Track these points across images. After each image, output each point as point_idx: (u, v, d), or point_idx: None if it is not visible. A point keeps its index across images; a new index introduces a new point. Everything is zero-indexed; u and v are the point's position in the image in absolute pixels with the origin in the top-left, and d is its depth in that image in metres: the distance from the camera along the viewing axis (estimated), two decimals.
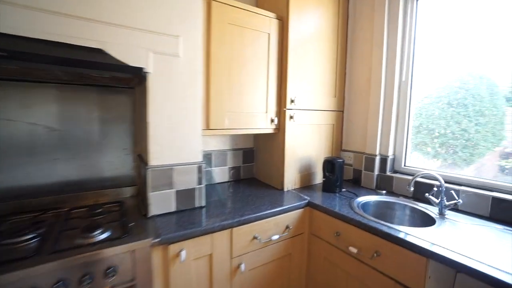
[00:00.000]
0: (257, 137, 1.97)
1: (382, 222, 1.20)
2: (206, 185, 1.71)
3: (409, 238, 1.05)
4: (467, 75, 4.67)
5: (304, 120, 1.73)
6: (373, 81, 1.73)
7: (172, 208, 1.26)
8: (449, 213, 1.33)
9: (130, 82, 1.40)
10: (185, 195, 1.29)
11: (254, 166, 2.02)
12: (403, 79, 1.64)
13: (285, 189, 1.70)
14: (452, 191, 1.34)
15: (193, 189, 1.31)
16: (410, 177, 1.59)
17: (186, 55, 1.23)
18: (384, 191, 1.67)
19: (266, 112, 1.63)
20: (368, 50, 1.78)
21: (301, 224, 1.49)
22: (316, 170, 1.86)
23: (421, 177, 1.53)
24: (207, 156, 1.79)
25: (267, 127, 1.64)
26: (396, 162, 1.73)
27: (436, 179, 1.36)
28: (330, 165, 1.67)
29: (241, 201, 1.47)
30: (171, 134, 1.23)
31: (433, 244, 1.00)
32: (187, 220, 1.18)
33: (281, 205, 1.41)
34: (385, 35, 1.66)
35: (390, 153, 1.71)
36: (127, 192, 1.48)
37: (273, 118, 1.65)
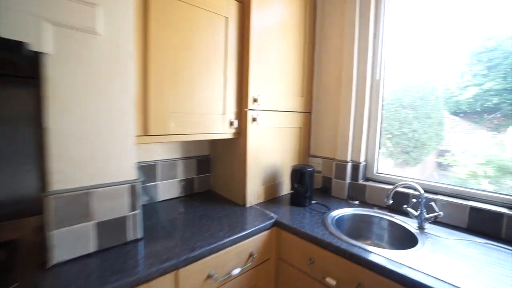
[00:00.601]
0: (214, 143, 1.67)
1: (363, 246, 1.01)
2: (149, 204, 1.36)
3: (396, 268, 0.86)
4: (416, 80, 4.95)
5: (268, 123, 1.49)
6: (344, 80, 1.56)
7: (91, 248, 0.90)
8: (428, 226, 1.20)
9: (29, 69, 0.99)
10: (111, 227, 0.94)
11: (211, 177, 1.71)
12: (377, 77, 1.50)
13: (248, 204, 1.43)
14: (433, 203, 1.21)
15: (123, 218, 0.96)
16: (384, 186, 1.45)
17: (109, 33, 0.88)
18: (356, 202, 1.51)
19: (224, 113, 1.34)
20: (338, 45, 1.61)
21: (267, 248, 1.24)
22: (282, 180, 1.63)
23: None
24: (150, 168, 1.43)
25: (225, 131, 1.35)
26: (368, 168, 1.58)
27: (414, 189, 1.22)
28: (298, 174, 1.45)
29: (192, 226, 1.15)
30: (85, 144, 0.86)
31: (424, 273, 0.83)
32: (111, 267, 0.83)
33: (244, 229, 1.14)
34: (357, 29, 1.50)
35: (362, 159, 1.56)
36: (28, 224, 1.06)
37: (232, 120, 1.36)
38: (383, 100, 1.52)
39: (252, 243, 1.16)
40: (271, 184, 1.57)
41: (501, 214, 1.11)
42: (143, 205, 1.11)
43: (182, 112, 1.17)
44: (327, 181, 1.69)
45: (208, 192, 1.68)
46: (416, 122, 4.74)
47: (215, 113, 1.30)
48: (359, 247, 1.00)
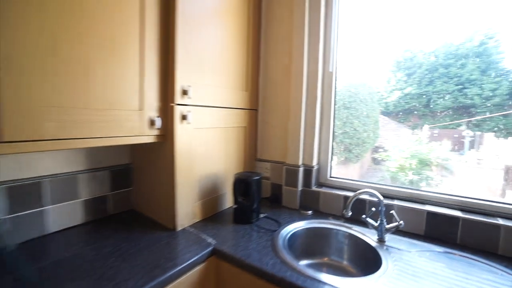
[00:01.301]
0: (136, 148, 1.29)
1: (323, 279, 0.79)
2: (33, 240, 0.93)
3: None
4: (356, 81, 5.14)
5: (204, 122, 1.18)
6: (294, 71, 1.35)
7: None
8: (388, 237, 1.06)
9: None
10: None
11: (132, 193, 1.32)
12: (330, 69, 1.33)
13: (179, 228, 1.11)
14: (393, 212, 1.08)
15: None
16: (339, 192, 1.29)
17: None
18: (310, 212, 1.32)
19: (141, 109, 0.99)
20: (286, 32, 1.39)
21: (203, 286, 0.94)
22: (225, 191, 1.35)
23: (351, 194, 1.25)
24: (33, 188, 0.99)
25: (143, 134, 1.00)
26: (321, 173, 1.41)
27: (373, 195, 1.08)
28: (243, 185, 1.19)
29: (87, 274, 0.78)
30: None
31: None
32: None
33: (168, 268, 0.82)
34: (307, 13, 1.30)
35: (315, 163, 1.38)
36: None
37: (153, 118, 1.02)
38: (336, 96, 1.37)
39: (182, 285, 0.85)
40: (211, 198, 1.27)
41: (456, 218, 1.03)
42: None
43: (68, 106, 0.79)
44: (276, 188, 1.47)
45: (130, 212, 1.29)
46: (357, 121, 4.94)
47: (126, 109, 0.94)
48: (319, 281, 0.78)
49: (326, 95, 1.36)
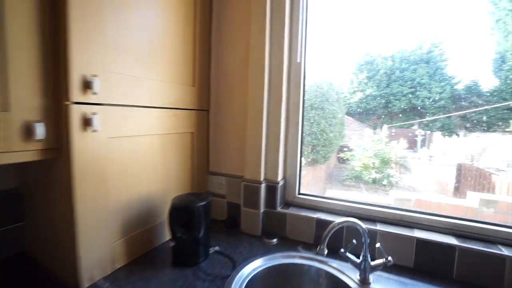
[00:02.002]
0: (24, 166, 0.89)
1: None
2: None
3: None
4: (322, 80, 5.08)
5: (126, 128, 0.84)
6: (253, 63, 1.06)
7: None
8: (372, 277, 0.83)
9: None
10: None
11: (26, 229, 0.93)
12: (297, 59, 1.06)
13: (85, 283, 0.75)
14: (378, 245, 0.84)
15: None
16: (309, 214, 1.03)
17: None
18: (274, 240, 1.04)
19: (6, 110, 0.62)
20: (243, 15, 1.10)
21: None
22: (163, 219, 1.02)
23: (327, 217, 1.01)
24: None
25: (10, 149, 0.63)
26: (288, 189, 1.15)
27: (354, 223, 0.83)
28: (183, 215, 0.87)
29: None
30: None
31: None
32: None
33: None
34: None
35: (280, 177, 1.11)
36: None
37: (31, 124, 0.65)
38: (305, 92, 1.11)
39: None
40: (141, 232, 0.93)
41: (451, 248, 0.83)
42: None
43: None
44: (234, 209, 1.17)
45: (22, 257, 0.90)
46: (324, 122, 4.85)
47: None
48: None
49: (294, 93, 1.09)
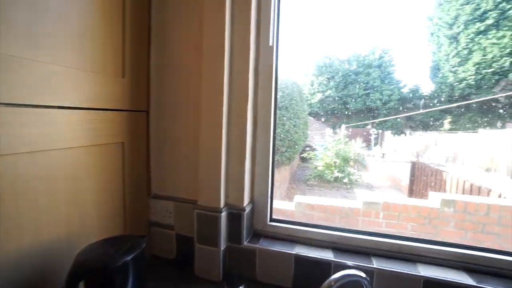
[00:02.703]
0: None
1: None
2: None
3: None
4: (285, 80, 5.03)
5: (18, 140, 0.49)
6: (208, 47, 0.77)
7: None
8: None
9: None
10: None
11: None
12: (270, 42, 0.80)
13: None
14: None
15: None
16: (285, 250, 0.78)
17: None
18: (241, 287, 0.77)
19: None
20: None
21: None
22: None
23: (308, 253, 0.76)
24: None
25: None
26: (257, 216, 0.88)
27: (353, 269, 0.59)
28: (93, 283, 0.54)
29: None
30: None
31: None
32: None
33: None
34: None
35: (247, 201, 0.84)
36: None
37: None
38: (277, 86, 0.85)
39: None
40: None
41: None
42: None
43: None
44: (186, 245, 0.87)
45: None
46: (289, 123, 4.78)
47: None
48: None
49: (264, 88, 0.83)
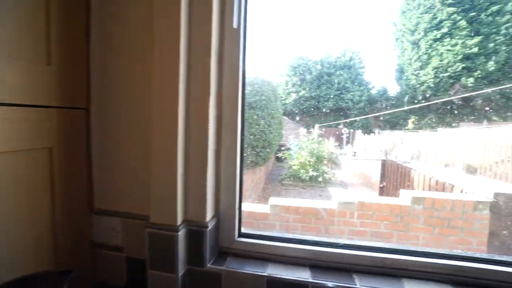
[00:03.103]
0: None
1: None
2: None
3: None
4: (259, 79, 4.92)
5: None
6: (160, 30, 0.63)
7: None
8: None
9: None
10: None
11: None
12: (234, 24, 0.67)
13: None
14: None
15: None
16: (257, 271, 0.66)
17: None
18: None
19: None
20: None
21: None
22: None
23: (283, 274, 0.65)
24: None
25: None
26: (223, 231, 0.75)
27: None
28: None
29: None
30: None
31: None
32: None
33: None
34: None
35: (210, 215, 0.71)
36: None
37: None
38: (245, 79, 0.73)
39: None
40: None
41: None
42: None
43: None
44: (138, 269, 0.72)
45: None
46: (263, 122, 4.70)
47: None
48: None
49: (229, 80, 0.70)
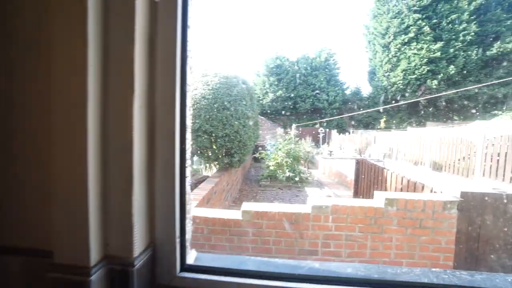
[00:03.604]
0: None
1: None
2: None
3: None
4: (229, 77, 4.74)
5: None
6: (57, 2, 0.46)
7: None
8: None
9: None
10: None
11: None
12: None
13: None
14: None
15: None
16: None
17: None
18: None
19: None
20: None
21: None
22: None
23: None
24: None
25: None
26: (160, 266, 0.59)
27: None
28: None
29: None
30: None
31: None
32: None
33: None
34: None
35: (140, 248, 0.54)
36: None
37: None
38: (186, 66, 0.57)
39: None
40: None
41: None
42: None
43: None
44: None
45: None
46: (237, 123, 4.53)
47: None
48: None
49: (163, 73, 0.54)
